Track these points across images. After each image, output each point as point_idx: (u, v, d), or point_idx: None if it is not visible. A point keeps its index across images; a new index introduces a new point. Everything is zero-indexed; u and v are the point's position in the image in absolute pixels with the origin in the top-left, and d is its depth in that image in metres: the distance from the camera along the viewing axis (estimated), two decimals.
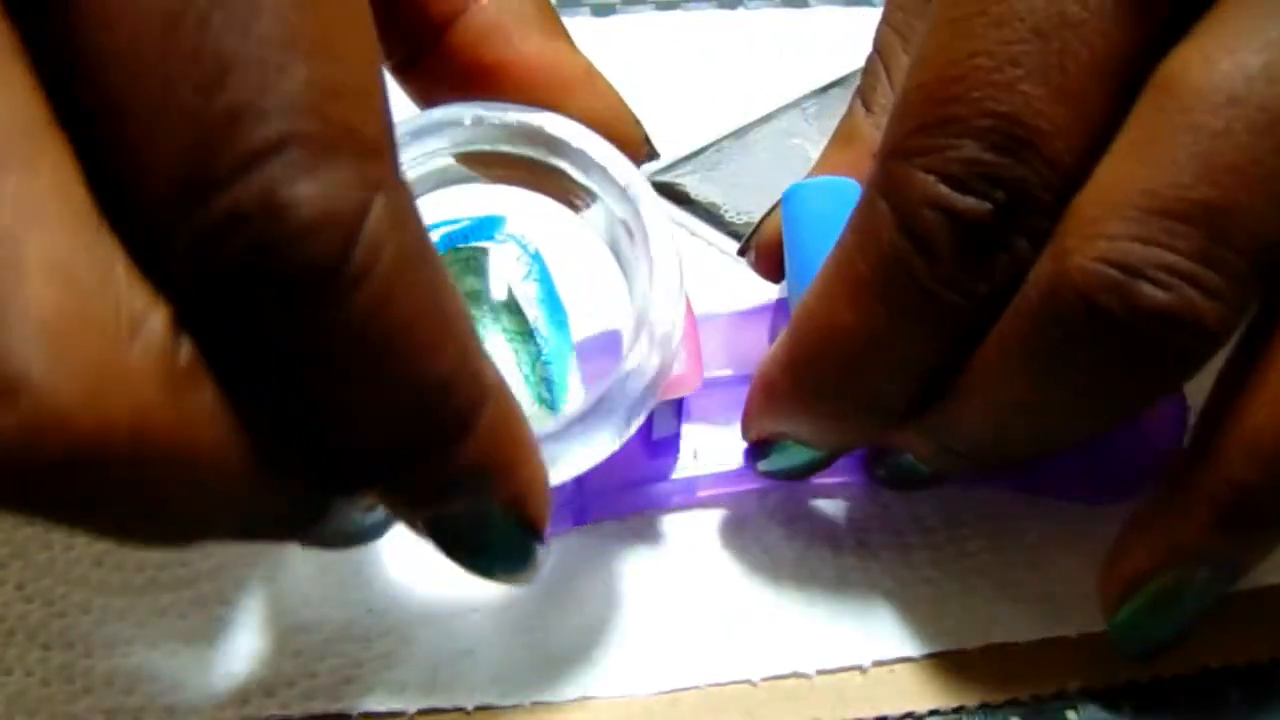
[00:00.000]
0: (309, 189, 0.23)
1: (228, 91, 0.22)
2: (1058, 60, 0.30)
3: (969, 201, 0.31)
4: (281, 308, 0.24)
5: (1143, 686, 0.38)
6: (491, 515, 0.30)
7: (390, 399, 0.26)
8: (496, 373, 0.29)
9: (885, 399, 0.35)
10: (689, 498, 0.43)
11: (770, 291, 0.45)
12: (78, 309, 0.22)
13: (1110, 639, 0.37)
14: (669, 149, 0.58)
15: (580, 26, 0.67)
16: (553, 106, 0.34)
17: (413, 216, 0.25)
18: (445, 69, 0.34)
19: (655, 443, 0.42)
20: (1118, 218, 0.30)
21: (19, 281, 0.21)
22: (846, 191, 0.38)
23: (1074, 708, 0.38)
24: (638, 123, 0.37)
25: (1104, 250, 0.30)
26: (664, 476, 0.42)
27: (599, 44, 0.64)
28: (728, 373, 0.44)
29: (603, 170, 0.34)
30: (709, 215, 0.55)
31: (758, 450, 0.39)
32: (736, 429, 0.40)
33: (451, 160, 0.35)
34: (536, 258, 0.40)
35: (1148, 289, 0.29)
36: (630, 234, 0.34)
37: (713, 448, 0.43)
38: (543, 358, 0.39)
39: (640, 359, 0.34)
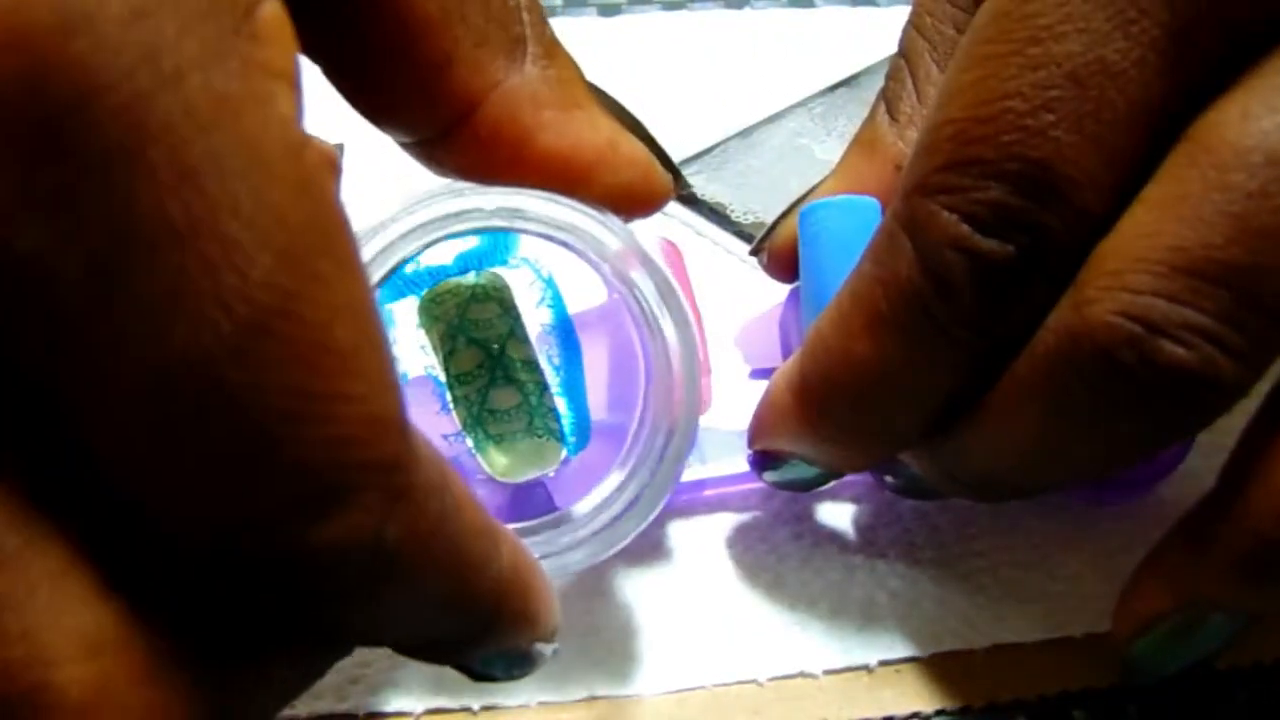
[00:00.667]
0: (331, 535, 0.22)
1: (240, 458, 0.21)
2: (1093, 108, 0.30)
3: (991, 244, 0.31)
4: (315, 615, 0.24)
5: (1148, 687, 0.38)
6: (506, 652, 0.31)
7: (413, 625, 0.27)
8: (512, 543, 0.29)
9: (895, 429, 0.35)
10: (696, 498, 0.43)
11: (777, 290, 0.45)
12: (113, 679, 0.22)
13: (1121, 669, 0.36)
14: (675, 149, 0.58)
15: (586, 27, 0.67)
16: (576, 192, 0.33)
17: (432, 490, 0.25)
18: (461, 159, 0.32)
19: None
20: (1143, 272, 0.29)
21: (52, 670, 0.21)
22: (866, 211, 0.38)
23: (1080, 707, 0.38)
24: (668, 165, 0.36)
25: (1126, 304, 0.29)
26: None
27: (605, 44, 0.65)
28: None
29: (603, 246, 0.34)
30: (715, 215, 0.55)
31: (764, 461, 0.39)
32: (745, 428, 0.40)
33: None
34: (550, 283, 0.40)
35: (1168, 346, 0.29)
36: (640, 305, 0.34)
37: (720, 448, 0.43)
38: (551, 389, 0.39)
39: (679, 425, 0.35)
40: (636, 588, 0.41)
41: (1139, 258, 0.29)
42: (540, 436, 0.37)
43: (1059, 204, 0.30)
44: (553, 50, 0.32)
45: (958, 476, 0.36)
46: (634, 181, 0.33)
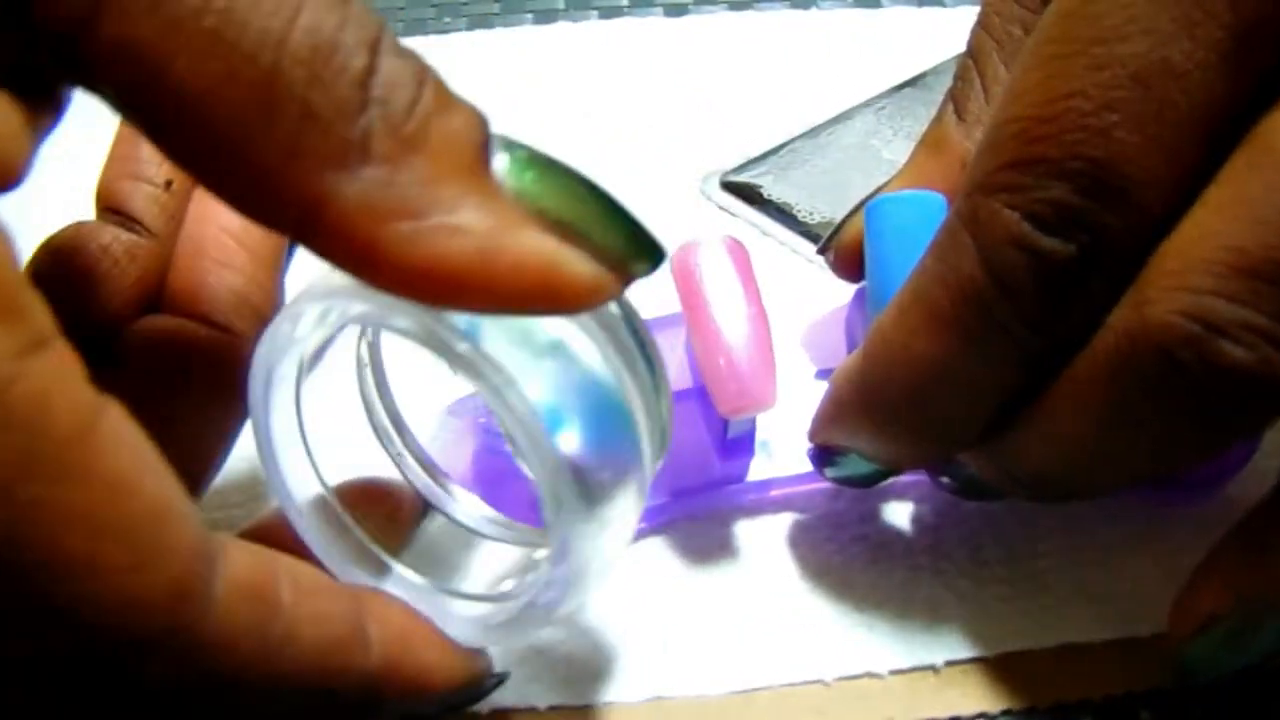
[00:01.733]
0: (132, 690, 0.27)
1: (42, 632, 0.26)
2: (1156, 109, 0.30)
3: (1053, 243, 0.31)
4: None
5: (1217, 688, 0.38)
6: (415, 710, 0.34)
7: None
8: (387, 633, 0.32)
9: (952, 427, 0.35)
10: (763, 498, 0.43)
11: (843, 290, 0.46)
12: None
13: (1176, 669, 0.36)
14: (743, 149, 0.58)
15: (653, 27, 0.67)
16: (452, 305, 0.29)
17: (242, 633, 0.28)
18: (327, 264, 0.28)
19: (730, 442, 0.42)
20: (1203, 272, 0.29)
21: None
22: (932, 206, 0.38)
23: (1147, 708, 0.37)
24: (637, 240, 0.30)
25: (1186, 304, 0.29)
26: (739, 478, 0.42)
27: (671, 44, 0.65)
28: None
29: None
30: (782, 215, 0.55)
31: (824, 456, 0.39)
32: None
33: None
34: None
35: (1228, 346, 0.29)
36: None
37: (787, 446, 0.43)
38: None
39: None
40: (703, 588, 0.41)
41: (1200, 258, 0.29)
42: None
43: (1120, 204, 0.30)
44: (414, 143, 0.27)
45: (1015, 476, 0.36)
46: (528, 287, 0.28)
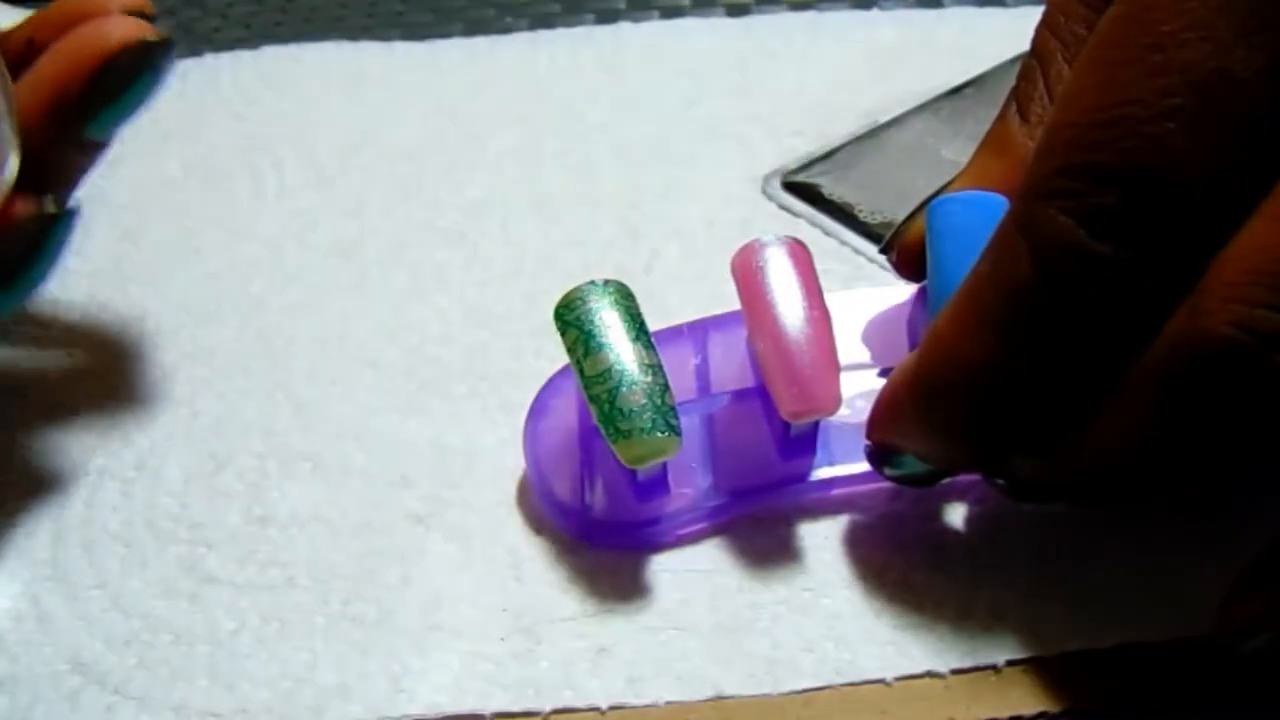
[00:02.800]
0: None
1: None
2: (1212, 117, 0.30)
3: (1107, 249, 0.31)
4: None
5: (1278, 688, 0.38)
6: None
7: None
8: None
9: (1002, 431, 0.35)
10: (824, 497, 0.43)
11: (905, 289, 0.46)
12: None
13: (1237, 669, 0.36)
14: (804, 149, 0.58)
15: (714, 27, 0.67)
16: None
17: None
18: None
19: (792, 441, 0.42)
20: (1257, 284, 0.29)
21: None
22: (993, 207, 0.38)
23: (1209, 708, 0.37)
24: None
25: (1240, 315, 0.29)
26: (802, 477, 0.43)
27: (733, 43, 0.65)
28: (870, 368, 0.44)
29: None
30: (843, 215, 0.55)
31: (881, 454, 0.39)
32: None
33: None
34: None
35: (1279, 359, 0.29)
36: None
37: (848, 447, 0.43)
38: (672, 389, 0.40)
39: None
40: (763, 587, 0.41)
41: (1255, 270, 0.30)
42: (663, 434, 0.38)
43: (1175, 212, 0.30)
44: None
45: (1066, 482, 0.36)
46: None
